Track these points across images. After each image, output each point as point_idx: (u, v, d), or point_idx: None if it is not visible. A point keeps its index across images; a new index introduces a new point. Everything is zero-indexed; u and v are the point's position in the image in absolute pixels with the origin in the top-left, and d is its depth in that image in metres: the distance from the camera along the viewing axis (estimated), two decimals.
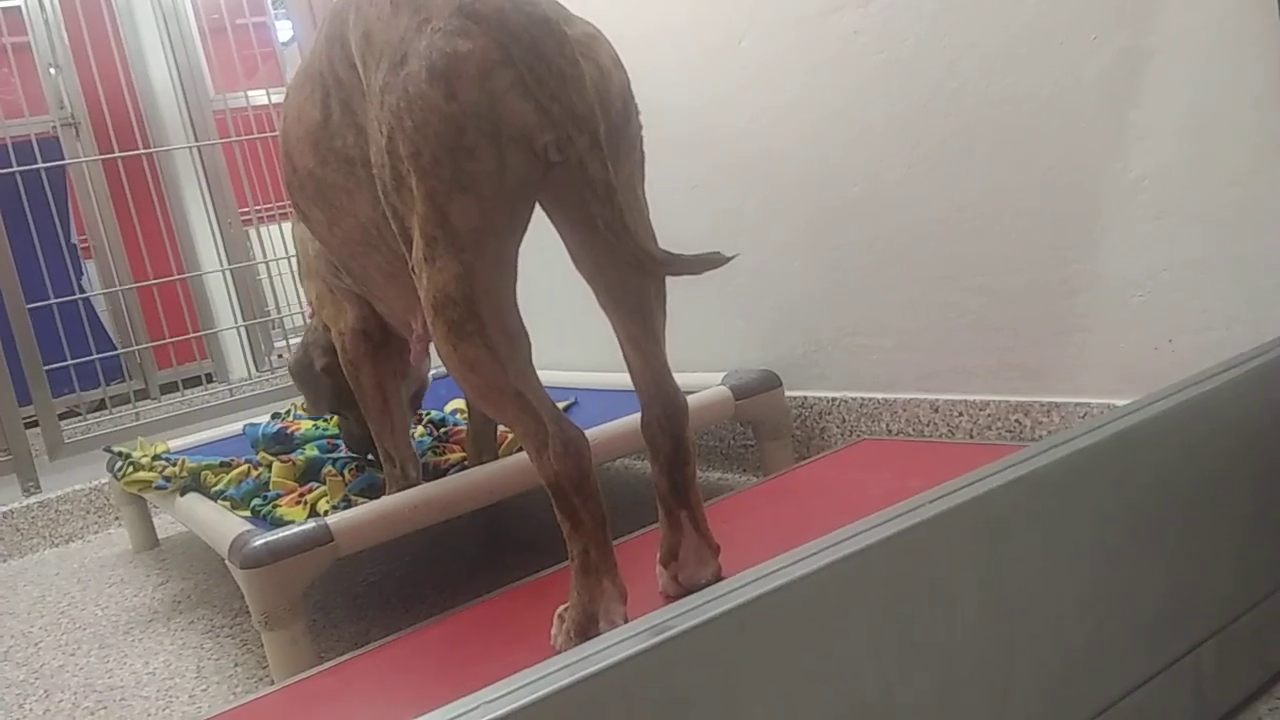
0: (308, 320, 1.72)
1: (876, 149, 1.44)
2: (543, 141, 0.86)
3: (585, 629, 0.94)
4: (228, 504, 1.52)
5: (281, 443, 1.83)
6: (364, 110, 1.01)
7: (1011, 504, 0.78)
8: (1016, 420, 1.34)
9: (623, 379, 1.14)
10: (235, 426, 2.08)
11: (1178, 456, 0.90)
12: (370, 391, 1.42)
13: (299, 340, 1.64)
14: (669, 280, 1.09)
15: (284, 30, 3.78)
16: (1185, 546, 0.89)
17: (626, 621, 0.89)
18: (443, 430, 1.80)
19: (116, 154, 2.91)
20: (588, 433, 0.96)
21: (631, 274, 1.00)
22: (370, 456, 1.59)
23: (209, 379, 3.43)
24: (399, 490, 1.38)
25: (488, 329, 0.90)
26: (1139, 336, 1.20)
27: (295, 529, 1.28)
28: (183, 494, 1.63)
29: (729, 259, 0.96)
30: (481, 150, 0.85)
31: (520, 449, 1.44)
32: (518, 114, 0.85)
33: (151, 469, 1.76)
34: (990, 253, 1.34)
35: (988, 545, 0.76)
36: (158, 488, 1.68)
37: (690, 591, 0.82)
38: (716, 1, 1.61)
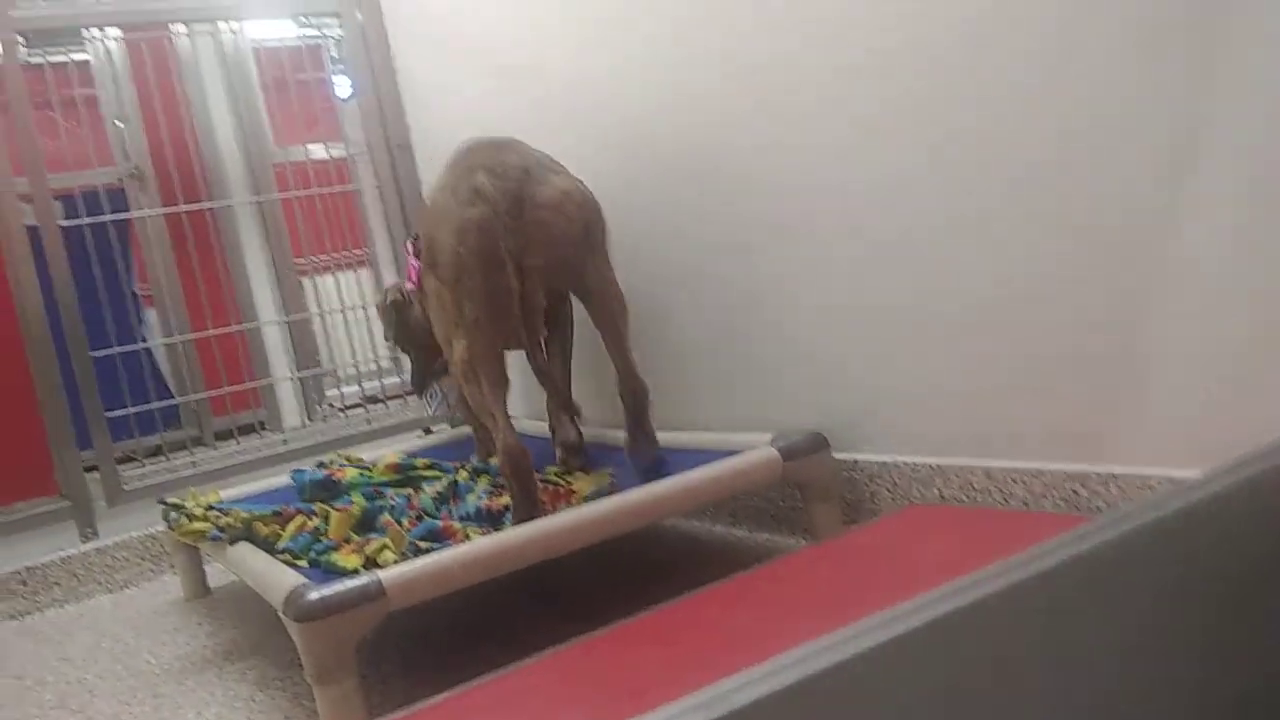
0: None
1: (929, 214, 1.45)
2: (509, 265, 1.47)
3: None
4: (287, 556, 1.54)
5: (327, 489, 1.86)
6: None
7: (1074, 581, 0.77)
8: (1073, 490, 1.33)
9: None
10: (282, 479, 2.11)
11: (1245, 533, 0.89)
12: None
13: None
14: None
15: (342, 86, 3.88)
16: (1254, 629, 0.87)
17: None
18: (489, 477, 1.82)
19: (180, 207, 3.00)
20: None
21: (600, 318, 1.66)
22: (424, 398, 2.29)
23: (262, 426, 3.48)
24: (487, 450, 1.97)
25: (480, 378, 1.54)
26: (1195, 407, 1.19)
27: (349, 583, 1.29)
28: (233, 544, 1.65)
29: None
30: (476, 275, 1.48)
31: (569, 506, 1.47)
32: (496, 251, 1.47)
33: (205, 519, 1.79)
34: (1045, 319, 1.33)
35: (1050, 624, 0.75)
36: (212, 538, 1.71)
37: (644, 465, 1.64)
38: (772, 60, 1.63)
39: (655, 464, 1.67)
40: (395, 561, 1.39)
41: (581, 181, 1.64)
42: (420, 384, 2.13)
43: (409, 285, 2.02)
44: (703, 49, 1.76)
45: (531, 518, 1.47)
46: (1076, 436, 1.33)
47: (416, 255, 1.97)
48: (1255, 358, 1.13)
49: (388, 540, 1.46)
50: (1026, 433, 1.39)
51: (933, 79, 1.40)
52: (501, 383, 1.56)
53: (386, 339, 2.14)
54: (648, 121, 1.91)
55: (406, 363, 2.22)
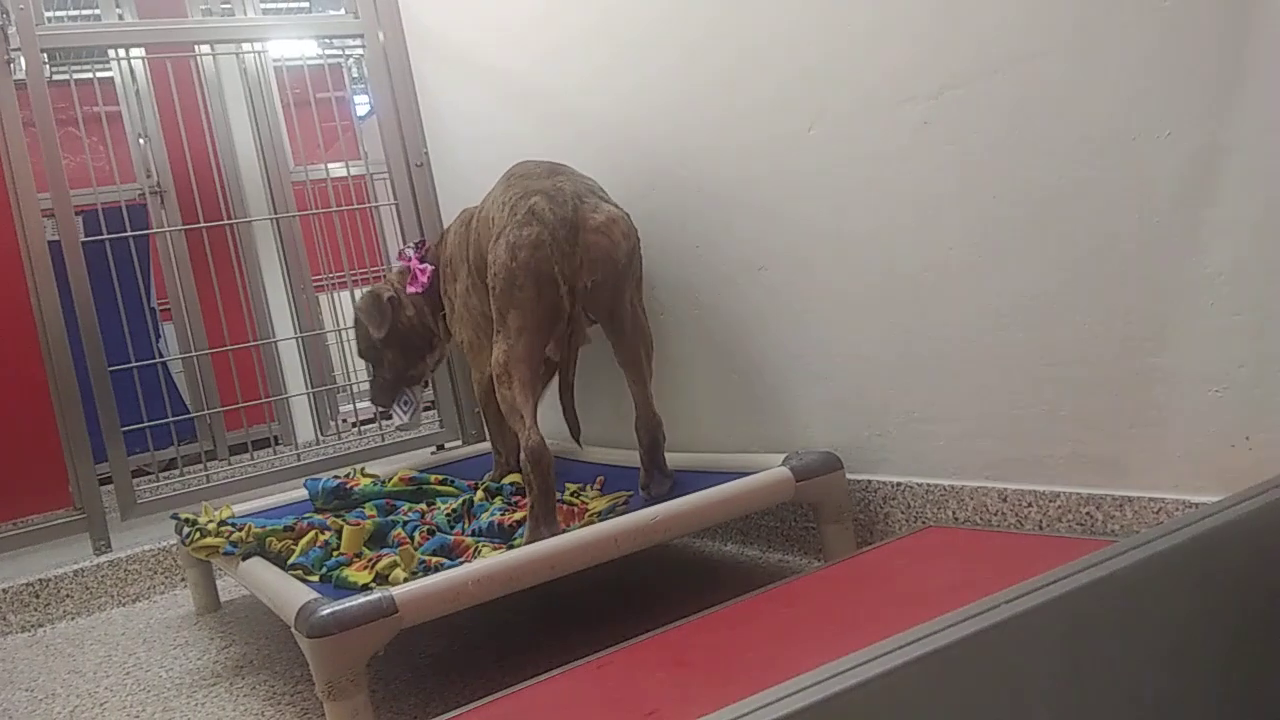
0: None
1: (945, 236, 1.45)
2: (562, 288, 1.56)
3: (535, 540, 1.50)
4: (299, 571, 1.54)
5: (340, 497, 1.87)
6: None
7: (1091, 606, 0.77)
8: (1088, 513, 1.32)
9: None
10: (299, 492, 2.12)
11: (1259, 560, 0.88)
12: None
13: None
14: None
15: (362, 105, 3.91)
16: (1265, 655, 0.86)
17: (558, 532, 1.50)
18: (503, 498, 1.82)
19: (200, 224, 3.02)
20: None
21: (626, 353, 1.70)
22: (390, 407, 2.18)
23: (276, 441, 3.50)
24: (502, 472, 2.03)
25: (514, 379, 1.59)
26: (1215, 432, 1.18)
27: (362, 599, 1.29)
28: (245, 559, 1.65)
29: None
30: (528, 288, 1.57)
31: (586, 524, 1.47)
32: (550, 270, 1.55)
33: (218, 534, 1.80)
34: (1063, 342, 1.33)
35: (1067, 649, 0.75)
36: (225, 553, 1.71)
37: (659, 500, 1.57)
38: (786, 88, 1.64)
39: (669, 494, 1.66)
40: (405, 579, 1.39)
41: (627, 214, 1.68)
42: (391, 392, 2.17)
43: (412, 289, 2.08)
44: (718, 78, 1.77)
45: (549, 517, 1.52)
46: (1093, 459, 1.32)
47: (422, 260, 2.07)
48: (1272, 383, 1.12)
49: (398, 557, 1.46)
50: (1042, 455, 1.38)
51: (946, 109, 1.40)
52: (534, 385, 1.61)
53: (375, 338, 2.11)
54: (661, 146, 1.92)
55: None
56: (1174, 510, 1.22)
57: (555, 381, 1.72)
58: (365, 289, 2.19)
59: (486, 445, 2.23)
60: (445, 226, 2.16)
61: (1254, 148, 1.10)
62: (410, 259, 2.11)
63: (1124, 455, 1.28)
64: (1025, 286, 1.36)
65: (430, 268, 2.07)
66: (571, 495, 1.76)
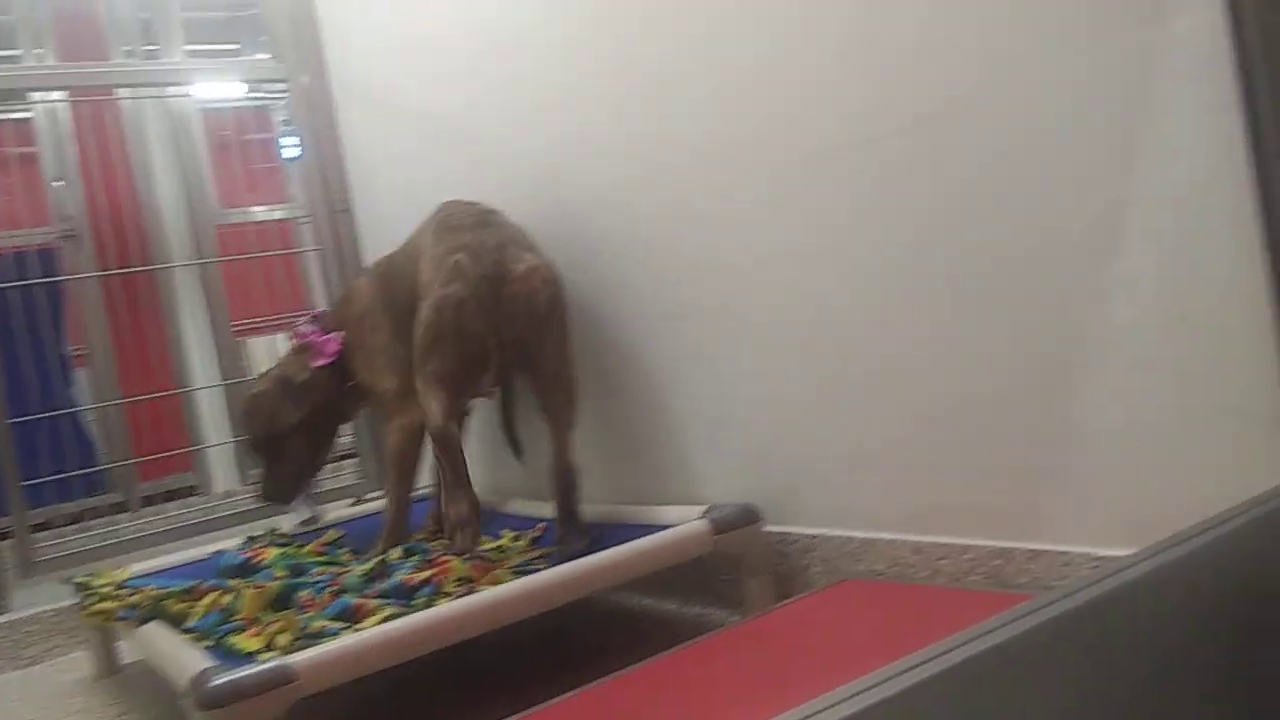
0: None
1: (863, 287, 1.45)
2: (490, 343, 1.61)
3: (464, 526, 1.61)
4: (192, 636, 1.48)
5: (246, 574, 1.79)
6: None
7: (990, 670, 0.76)
8: (998, 565, 1.32)
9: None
10: (202, 550, 2.04)
11: (1160, 619, 0.88)
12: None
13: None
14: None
15: (290, 148, 3.86)
16: (1181, 704, 0.86)
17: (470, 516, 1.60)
18: (420, 555, 1.77)
19: (111, 271, 2.94)
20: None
21: (547, 400, 1.70)
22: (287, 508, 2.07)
23: (192, 491, 3.39)
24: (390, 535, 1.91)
25: (439, 385, 1.63)
26: (1120, 485, 1.18)
27: (257, 668, 1.24)
28: (142, 624, 1.59)
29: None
30: (453, 345, 1.61)
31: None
32: (474, 328, 1.60)
33: (114, 598, 1.72)
34: (976, 394, 1.33)
35: (986, 706, 0.74)
36: (120, 618, 1.64)
37: (572, 558, 1.53)
38: (715, 141, 1.64)
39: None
40: (290, 644, 1.34)
41: (549, 262, 1.70)
42: (294, 486, 2.04)
43: (321, 362, 1.98)
44: (646, 129, 1.77)
45: (461, 504, 1.60)
46: (1004, 512, 1.32)
47: (324, 331, 1.99)
48: (1178, 436, 1.13)
49: (282, 622, 1.41)
50: (954, 507, 1.38)
51: (869, 164, 1.41)
52: (451, 391, 1.66)
53: (287, 424, 1.97)
54: (590, 196, 1.91)
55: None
56: (1082, 564, 1.22)
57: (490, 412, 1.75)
58: (263, 379, 2.05)
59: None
60: (349, 286, 2.12)
61: (1156, 203, 1.11)
62: (310, 334, 2.02)
63: (1032, 508, 1.28)
64: (940, 337, 1.36)
65: (336, 336, 1.99)
66: (496, 549, 1.72)
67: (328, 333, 2.00)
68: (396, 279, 1.88)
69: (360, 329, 1.97)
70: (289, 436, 1.98)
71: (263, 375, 2.06)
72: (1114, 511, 1.20)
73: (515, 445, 1.78)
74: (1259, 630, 0.94)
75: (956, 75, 1.28)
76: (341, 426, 2.14)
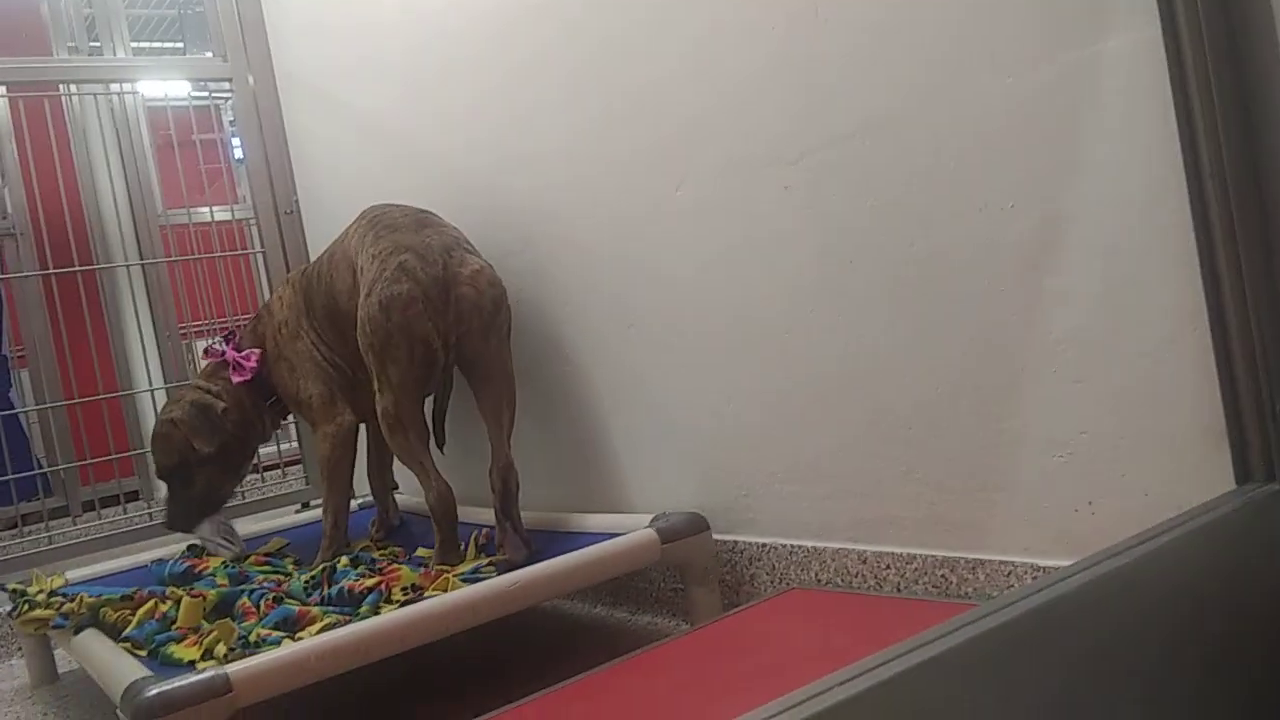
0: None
1: (806, 298, 1.45)
2: (436, 344, 1.62)
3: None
4: (128, 645, 1.45)
5: (188, 582, 1.76)
6: (355, 298, 1.72)
7: (928, 683, 0.77)
8: (943, 575, 1.33)
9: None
10: (141, 556, 2.00)
11: (1110, 623, 0.89)
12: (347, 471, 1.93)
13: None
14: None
15: (240, 148, 3.80)
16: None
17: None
18: (365, 565, 1.74)
19: (51, 270, 2.87)
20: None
21: (488, 400, 1.71)
22: (194, 538, 1.99)
23: (133, 497, 3.31)
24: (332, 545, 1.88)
25: (408, 429, 1.67)
26: (1060, 497, 1.20)
27: (193, 678, 1.22)
28: (79, 631, 1.55)
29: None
30: (403, 346, 1.61)
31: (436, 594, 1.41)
32: (423, 328, 1.61)
33: (49, 606, 1.68)
34: (918, 405, 1.34)
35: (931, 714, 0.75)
36: (55, 626, 1.60)
37: (515, 567, 1.54)
38: (656, 146, 1.64)
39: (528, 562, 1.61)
40: (227, 653, 1.31)
41: (490, 264, 1.72)
42: (199, 514, 1.96)
43: (239, 378, 1.93)
44: (587, 132, 1.76)
45: (454, 560, 1.65)
46: (948, 522, 1.33)
47: (238, 348, 1.97)
48: (1117, 449, 1.15)
49: (218, 631, 1.38)
50: (900, 517, 1.39)
51: (808, 174, 1.41)
52: (425, 433, 1.71)
53: (201, 454, 1.89)
54: (530, 202, 1.90)
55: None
56: (1024, 574, 1.24)
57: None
58: (178, 404, 1.96)
59: (354, 502, 2.14)
60: (264, 302, 2.08)
61: (1094, 217, 1.13)
62: (224, 352, 1.97)
63: (976, 518, 1.30)
64: (882, 349, 1.37)
65: (255, 351, 1.95)
66: (427, 555, 1.71)
67: (242, 350, 1.96)
68: (315, 285, 1.89)
69: (280, 339, 1.94)
70: (202, 465, 1.91)
71: (175, 401, 1.97)
72: (1051, 523, 1.21)
73: (440, 437, 1.79)
74: (1194, 640, 0.96)
75: (893, 87, 1.29)
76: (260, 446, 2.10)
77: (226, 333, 2.03)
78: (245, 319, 3.17)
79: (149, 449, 1.96)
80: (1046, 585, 0.89)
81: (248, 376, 1.93)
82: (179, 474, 1.92)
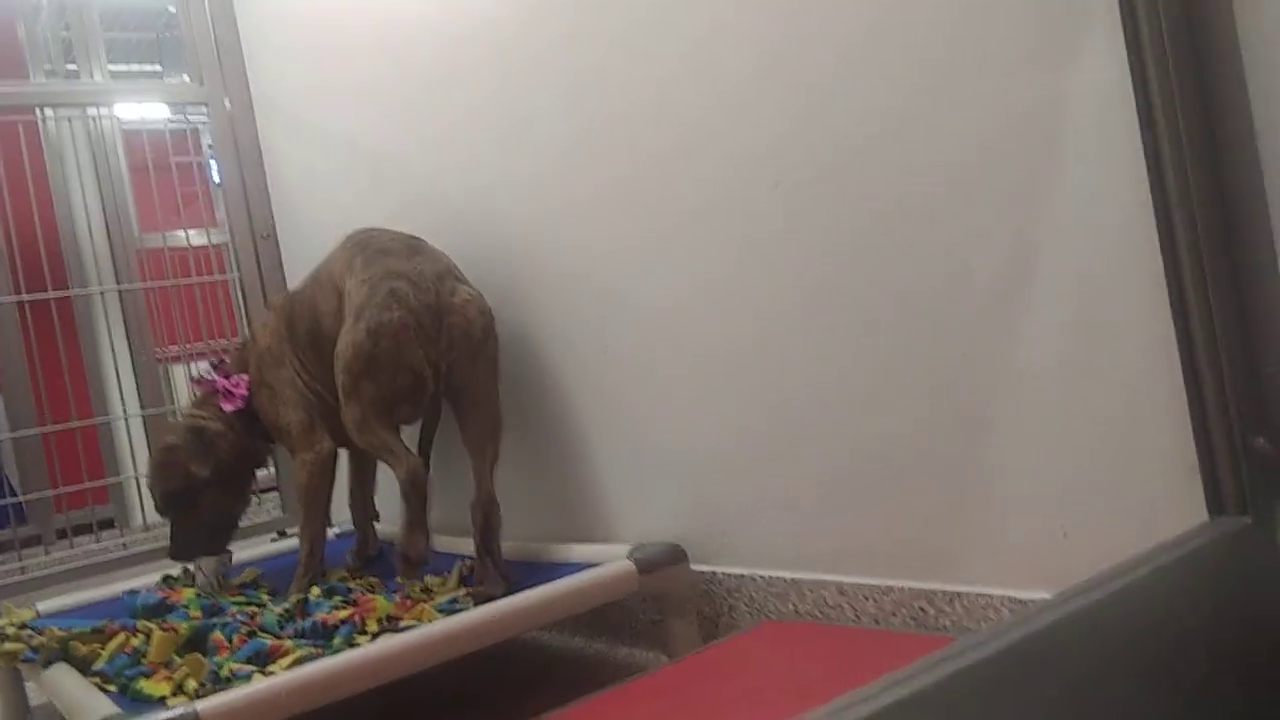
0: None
1: (783, 326, 1.45)
2: (426, 372, 1.62)
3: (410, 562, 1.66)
4: (98, 680, 1.43)
5: (161, 615, 1.73)
6: (339, 322, 1.71)
7: (934, 707, 0.76)
8: (920, 607, 1.32)
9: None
10: (115, 587, 1.97)
11: (1088, 656, 0.89)
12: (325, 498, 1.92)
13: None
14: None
15: (218, 171, 3.78)
16: None
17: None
18: (340, 596, 1.73)
19: (23, 296, 2.84)
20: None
21: (473, 430, 1.71)
22: (189, 568, 1.96)
23: (107, 524, 3.27)
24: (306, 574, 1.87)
25: (374, 424, 1.65)
26: (1035, 528, 1.20)
27: (162, 715, 1.19)
28: (48, 665, 1.52)
29: None
30: (386, 370, 1.61)
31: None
32: (414, 356, 1.61)
33: (18, 639, 1.65)
34: (895, 435, 1.34)
35: None
36: (25, 660, 1.57)
37: (490, 599, 1.51)
38: (632, 171, 1.64)
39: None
40: (197, 689, 1.29)
41: (480, 292, 1.72)
42: (211, 539, 1.95)
43: (230, 406, 1.92)
44: (562, 157, 1.76)
45: (421, 541, 1.64)
46: (925, 553, 1.33)
47: (227, 375, 1.94)
48: (1093, 480, 1.15)
49: (188, 666, 1.36)
50: (877, 548, 1.38)
51: (784, 200, 1.42)
52: (394, 426, 1.69)
53: (198, 480, 1.87)
54: (515, 229, 1.90)
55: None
56: (1000, 606, 1.23)
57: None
58: (173, 431, 1.96)
59: (332, 530, 2.12)
60: (250, 329, 2.07)
61: (1069, 247, 1.13)
62: (213, 380, 1.96)
63: (953, 549, 1.29)
64: (861, 377, 1.37)
65: (244, 377, 1.94)
66: (423, 591, 1.68)
67: (230, 377, 1.96)
68: (299, 311, 1.87)
69: (263, 365, 1.93)
70: (203, 490, 1.89)
71: (170, 429, 1.98)
72: (1028, 553, 1.21)
73: (425, 466, 1.76)
74: (1171, 673, 0.96)
75: (866, 119, 1.29)
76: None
77: (216, 361, 2.02)
78: (222, 344, 3.15)
79: (148, 481, 1.94)
80: (1022, 621, 0.89)
81: (239, 404, 1.92)
82: (183, 500, 1.90)
